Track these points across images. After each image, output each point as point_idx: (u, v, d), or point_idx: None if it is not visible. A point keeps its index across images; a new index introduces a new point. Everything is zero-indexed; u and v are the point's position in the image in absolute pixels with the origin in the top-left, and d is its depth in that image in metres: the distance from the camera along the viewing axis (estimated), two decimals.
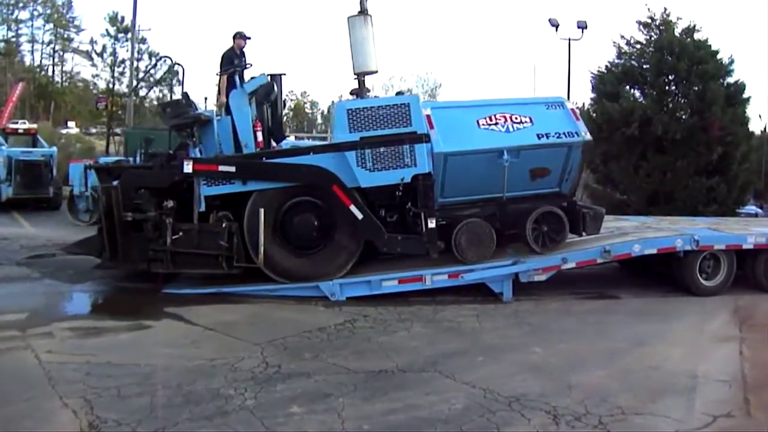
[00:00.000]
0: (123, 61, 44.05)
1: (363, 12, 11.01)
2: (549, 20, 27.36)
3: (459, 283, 10.30)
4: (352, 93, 11.10)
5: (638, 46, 23.18)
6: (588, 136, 11.14)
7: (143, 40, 44.12)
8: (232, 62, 11.11)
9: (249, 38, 11.49)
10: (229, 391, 6.12)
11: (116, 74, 45.15)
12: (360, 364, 7.08)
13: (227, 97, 10.90)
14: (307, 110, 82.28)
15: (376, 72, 11.28)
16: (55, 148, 23.81)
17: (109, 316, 9.12)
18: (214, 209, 10.07)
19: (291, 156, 10.33)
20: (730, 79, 21.99)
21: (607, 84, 22.57)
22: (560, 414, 5.93)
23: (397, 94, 11.02)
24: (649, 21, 23.16)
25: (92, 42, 46.78)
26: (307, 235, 10.27)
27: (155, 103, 48.32)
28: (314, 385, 6.42)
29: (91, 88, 50.50)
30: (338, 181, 9.98)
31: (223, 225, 9.85)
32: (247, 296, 9.89)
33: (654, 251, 11.19)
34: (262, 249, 9.83)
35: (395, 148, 10.05)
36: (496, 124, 10.72)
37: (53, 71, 59.58)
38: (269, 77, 10.87)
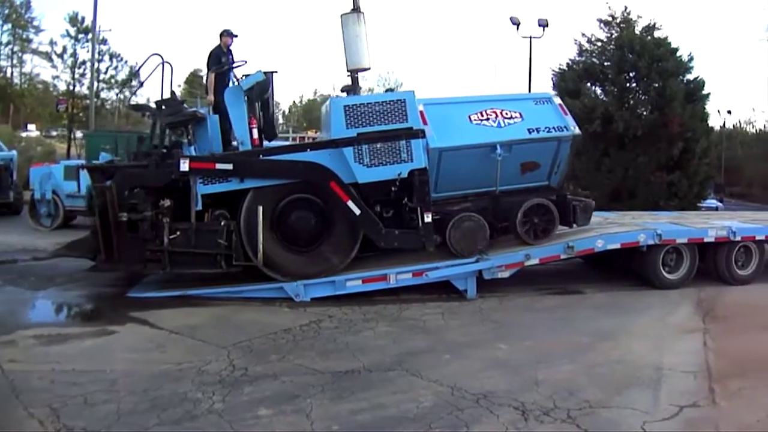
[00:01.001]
0: (83, 63, 43.32)
1: (356, 9, 11.06)
2: (510, 18, 27.57)
3: (423, 282, 10.37)
4: (343, 90, 11.13)
5: (599, 43, 23.58)
6: (577, 130, 11.45)
7: (104, 41, 43.45)
8: (220, 60, 11.02)
9: (236, 36, 11.38)
10: (197, 395, 6.09)
11: (77, 76, 44.44)
12: (326, 365, 7.09)
13: (215, 95, 10.87)
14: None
15: (369, 69, 11.37)
16: (15, 152, 23.33)
17: (73, 322, 9.10)
18: (208, 208, 10.09)
19: (288, 153, 10.36)
20: (690, 76, 22.47)
21: (568, 81, 22.85)
22: (528, 409, 6.00)
23: (387, 91, 11.03)
24: (610, 19, 23.57)
25: (52, 43, 45.96)
26: (305, 232, 10.33)
27: (117, 105, 47.87)
28: (281, 386, 6.42)
29: (52, 90, 49.70)
30: (336, 177, 10.04)
31: (222, 223, 9.85)
32: (211, 298, 9.86)
33: (617, 246, 11.37)
34: (261, 247, 9.84)
35: (392, 143, 10.14)
36: (488, 119, 11.00)
37: (12, 73, 58.55)
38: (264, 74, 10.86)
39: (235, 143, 10.63)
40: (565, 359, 7.62)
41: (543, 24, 27.40)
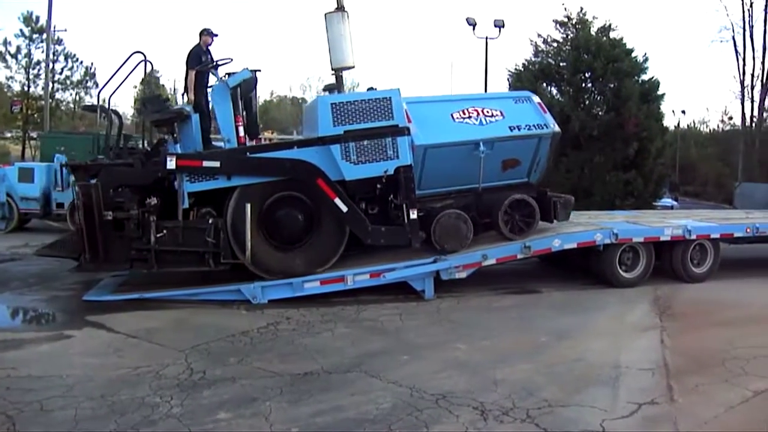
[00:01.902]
0: (38, 63, 42.58)
1: (340, 8, 11.10)
2: (466, 19, 27.64)
3: (380, 283, 10.40)
4: (325, 89, 11.15)
5: (555, 44, 23.69)
6: (556, 128, 11.75)
7: (59, 41, 42.80)
8: (200, 59, 10.88)
9: (216, 35, 11.27)
10: (155, 400, 6.04)
11: (31, 76, 43.69)
12: (285, 367, 7.08)
13: (195, 94, 10.76)
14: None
15: (353, 67, 11.38)
16: None
17: (29, 327, 9.04)
18: (192, 206, 10.03)
19: (275, 150, 10.39)
20: (645, 77, 22.67)
21: (524, 81, 22.89)
22: (488, 409, 6.05)
23: (368, 90, 11.04)
24: (566, 20, 23.66)
25: (6, 43, 45.08)
26: (291, 229, 10.36)
27: (71, 106, 47.13)
28: (240, 389, 6.39)
29: (5, 90, 48.81)
30: (323, 174, 10.10)
31: (210, 221, 9.81)
32: (168, 301, 9.78)
33: (574, 245, 11.54)
34: (249, 245, 9.83)
35: (378, 140, 10.26)
36: (470, 117, 11.21)
37: None
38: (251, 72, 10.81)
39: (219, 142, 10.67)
40: (523, 359, 7.69)
41: (499, 25, 27.55)
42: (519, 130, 11.39)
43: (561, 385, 6.81)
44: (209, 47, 11.18)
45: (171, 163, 9.73)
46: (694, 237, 12.27)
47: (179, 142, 10.48)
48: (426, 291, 10.62)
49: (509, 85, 24.26)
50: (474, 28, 27.73)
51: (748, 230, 13.02)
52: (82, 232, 9.60)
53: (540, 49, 23.90)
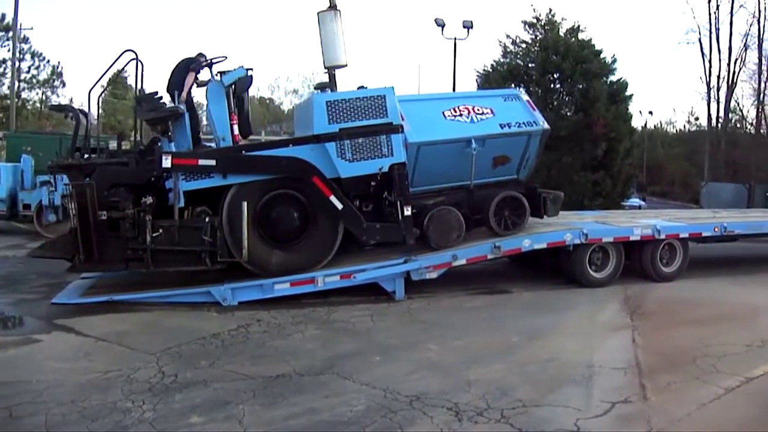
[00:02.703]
0: (4, 61, 42.06)
1: (332, 7, 11.11)
2: (435, 20, 27.63)
3: (351, 284, 10.39)
4: (317, 87, 11.11)
5: (524, 45, 23.80)
6: (546, 125, 11.84)
7: (25, 39, 42.36)
8: (196, 62, 10.76)
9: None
10: (127, 404, 5.96)
11: None
12: (257, 370, 7.04)
13: (188, 94, 10.69)
14: None
15: (346, 66, 11.36)
16: None
17: None
18: (187, 206, 10.00)
19: (270, 148, 10.40)
20: (613, 78, 22.89)
21: (492, 82, 22.97)
22: (462, 410, 6.05)
23: (359, 88, 11.03)
24: (535, 21, 23.79)
25: None
26: (287, 227, 10.37)
27: (38, 106, 46.55)
28: (212, 393, 6.33)
29: None
30: (318, 172, 10.12)
31: (206, 220, 9.76)
32: (138, 304, 9.68)
33: (544, 246, 11.62)
34: (246, 243, 9.79)
35: (373, 138, 10.31)
36: (461, 115, 11.32)
37: None
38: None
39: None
40: (496, 359, 7.72)
41: (468, 26, 27.56)
42: (509, 127, 11.54)
43: (534, 384, 6.84)
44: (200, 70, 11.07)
45: (166, 162, 9.68)
46: (663, 237, 12.44)
47: (173, 141, 10.37)
48: (397, 292, 10.62)
49: (477, 85, 24.35)
50: (443, 29, 27.73)
51: (716, 229, 13.24)
52: (76, 232, 9.50)
53: (508, 50, 24.03)
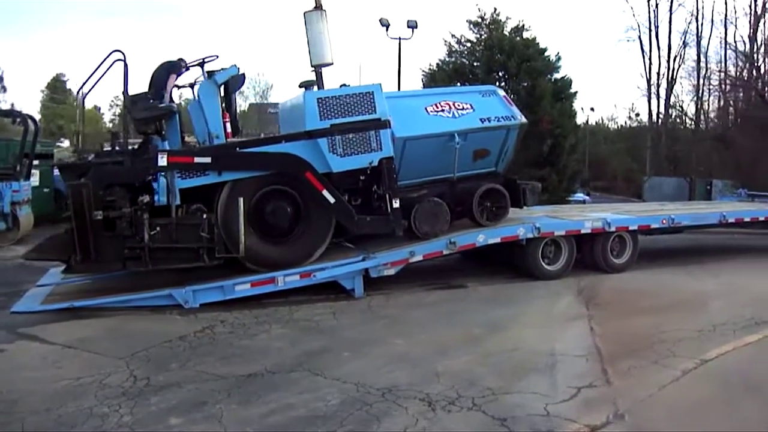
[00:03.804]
0: None
1: (318, 7, 11.17)
2: (379, 20, 27.73)
3: (311, 283, 10.46)
4: (301, 86, 11.09)
5: (468, 44, 24.15)
6: (523, 119, 12.27)
7: None
8: (178, 65, 10.77)
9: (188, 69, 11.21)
10: (103, 410, 5.92)
11: None
12: (228, 370, 7.06)
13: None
14: None
15: (332, 64, 11.43)
16: None
17: None
18: (181, 204, 9.98)
19: (263, 145, 10.48)
20: (557, 75, 23.36)
21: (438, 81, 23.30)
22: (434, 400, 6.20)
23: (341, 86, 11.17)
24: (479, 20, 24.12)
25: None
26: (281, 222, 10.48)
27: None
28: (187, 394, 6.34)
29: None
30: (311, 167, 10.26)
31: (204, 216, 9.78)
32: (99, 309, 9.51)
33: (498, 240, 11.86)
34: (243, 238, 9.84)
35: (363, 134, 10.54)
36: (443, 110, 11.58)
37: None
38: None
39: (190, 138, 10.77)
40: (461, 350, 7.90)
41: (412, 26, 27.72)
42: (489, 121, 11.86)
43: (501, 374, 7.03)
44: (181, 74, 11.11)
45: (162, 160, 9.71)
46: (613, 229, 12.79)
47: (166, 140, 10.36)
48: (356, 289, 10.73)
49: (423, 84, 24.64)
50: (387, 29, 27.87)
51: (664, 222, 13.66)
52: (72, 233, 9.42)
53: (454, 49, 24.43)
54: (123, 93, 10.19)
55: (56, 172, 19.17)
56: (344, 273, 10.65)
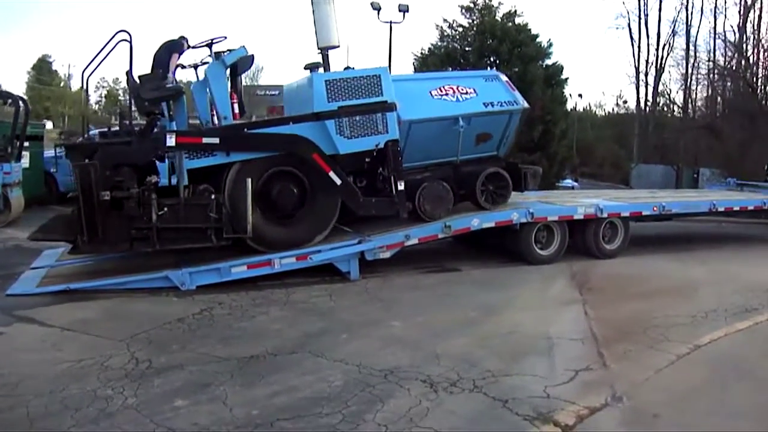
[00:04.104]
0: None
1: None
2: (371, 4, 27.66)
3: (307, 265, 10.51)
4: (306, 67, 11.14)
5: (460, 29, 24.15)
6: (525, 104, 12.40)
7: None
8: (180, 45, 10.72)
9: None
10: (107, 392, 5.88)
11: None
12: (229, 351, 7.07)
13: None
14: None
15: (339, 47, 11.50)
16: None
17: None
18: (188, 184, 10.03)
19: (271, 126, 10.49)
20: (549, 61, 23.46)
21: (430, 66, 23.34)
22: (436, 382, 6.27)
23: (345, 69, 11.24)
24: (472, 5, 24.13)
25: None
26: (287, 203, 10.55)
27: None
28: (190, 376, 6.35)
29: None
30: (318, 149, 10.32)
31: (213, 197, 9.78)
32: (96, 292, 9.48)
33: (492, 224, 11.97)
34: (251, 219, 9.87)
35: (370, 116, 10.63)
36: (447, 94, 11.75)
37: None
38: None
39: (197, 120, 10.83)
40: (458, 333, 7.99)
41: (404, 10, 27.67)
42: (493, 106, 12.02)
43: (499, 356, 7.11)
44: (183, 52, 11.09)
45: (171, 140, 9.73)
46: (605, 215, 12.91)
47: (174, 120, 10.36)
48: (351, 272, 10.80)
49: (414, 69, 24.64)
50: (378, 13, 27.80)
51: (655, 209, 13.78)
52: (79, 213, 9.40)
53: (446, 33, 24.41)
54: (127, 73, 10.18)
55: (46, 154, 19.20)
56: (340, 256, 10.70)
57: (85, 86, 11.16)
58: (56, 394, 5.82)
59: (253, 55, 10.85)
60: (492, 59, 22.82)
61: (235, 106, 10.63)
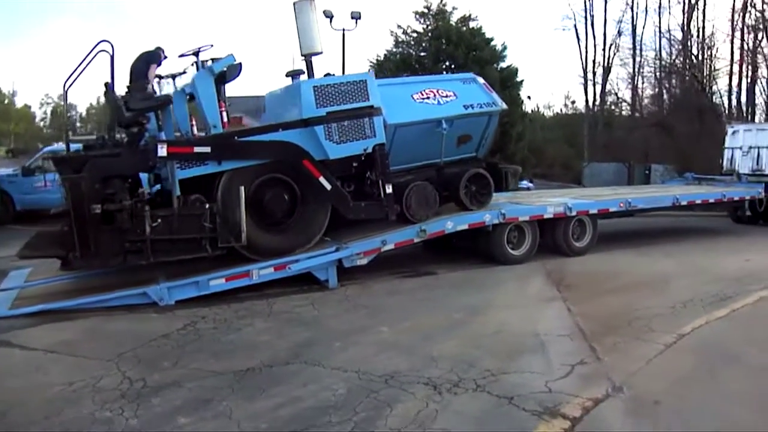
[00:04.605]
0: None
1: None
2: (323, 12, 27.58)
3: (285, 275, 10.44)
4: (288, 75, 11.30)
5: (415, 34, 24.27)
6: (504, 105, 12.71)
7: None
8: (159, 57, 10.62)
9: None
10: (105, 414, 5.67)
11: None
12: (223, 365, 6.93)
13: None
14: None
15: (322, 53, 11.51)
16: None
17: None
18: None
19: (261, 134, 10.49)
20: (504, 64, 23.62)
21: (386, 72, 23.38)
22: (438, 384, 6.29)
23: (326, 75, 11.29)
24: (426, 11, 24.27)
25: None
26: (278, 210, 10.55)
27: None
28: (189, 393, 6.18)
29: None
30: (308, 155, 10.38)
31: (207, 206, 9.69)
32: (73, 311, 9.18)
33: (465, 226, 12.10)
34: (245, 227, 9.84)
35: (358, 121, 10.84)
36: (428, 98, 11.95)
37: None
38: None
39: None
40: (447, 335, 8.05)
41: (356, 17, 27.70)
42: (473, 108, 12.31)
43: (494, 355, 7.18)
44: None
45: (162, 151, 9.64)
46: (574, 213, 13.15)
47: (163, 130, 10.29)
48: (330, 280, 10.77)
49: None
50: (331, 21, 27.77)
51: (622, 205, 14.12)
52: (70, 228, 9.22)
53: (400, 39, 24.49)
54: (106, 85, 10.04)
55: (1, 171, 18.81)
56: (318, 264, 10.67)
57: (65, 97, 10.99)
58: (53, 420, 5.57)
59: (241, 63, 10.74)
60: (448, 63, 22.98)
61: (224, 114, 10.59)
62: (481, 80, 13.05)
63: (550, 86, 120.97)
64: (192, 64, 10.61)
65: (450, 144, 12.23)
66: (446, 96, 12.19)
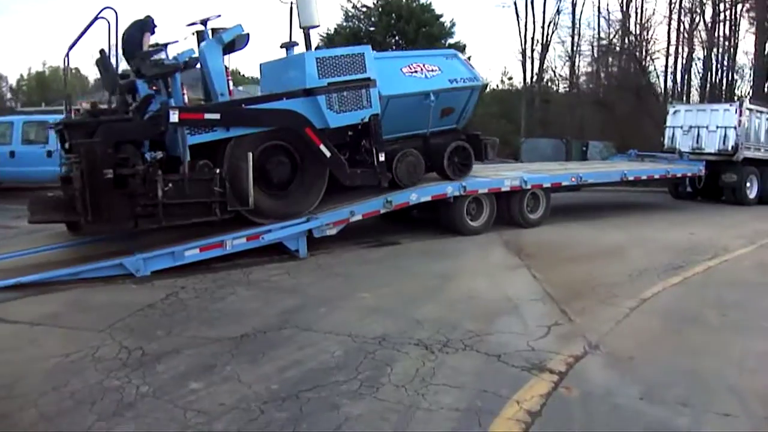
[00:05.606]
0: None
1: None
2: None
3: (258, 245, 10.70)
4: (282, 46, 11.78)
5: (365, 9, 24.41)
6: (485, 80, 13.36)
7: None
8: (142, 21, 10.84)
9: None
10: (114, 383, 5.64)
11: None
12: (217, 333, 7.03)
13: None
14: None
15: (319, 26, 12.14)
16: None
17: None
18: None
19: (266, 102, 10.80)
20: (452, 40, 23.99)
21: (336, 45, 23.50)
22: (428, 344, 6.66)
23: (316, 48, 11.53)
24: None
25: None
26: (281, 175, 10.88)
27: None
28: (190, 359, 6.25)
29: None
30: (310, 123, 10.89)
31: (217, 171, 9.93)
32: (50, 284, 9.07)
33: (429, 198, 12.65)
34: (252, 191, 10.21)
35: (357, 91, 11.37)
36: (416, 72, 12.50)
37: None
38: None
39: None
40: (426, 300, 8.48)
41: None
42: (457, 82, 12.94)
43: (474, 318, 7.61)
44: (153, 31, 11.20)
45: (174, 117, 9.77)
46: (529, 187, 13.78)
47: (172, 96, 10.37)
48: (300, 250, 11.09)
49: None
50: None
51: (573, 179, 14.83)
52: (83, 193, 9.25)
53: (351, 14, 24.60)
54: (101, 51, 10.25)
55: None
56: (290, 234, 10.98)
57: (66, 63, 10.94)
58: (61, 391, 5.48)
59: (248, 34, 11.04)
60: (398, 38, 23.24)
61: (231, 82, 10.94)
62: (462, 56, 13.74)
63: (489, 62, 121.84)
64: (193, 34, 11.07)
65: (435, 116, 12.83)
66: (432, 70, 12.75)
